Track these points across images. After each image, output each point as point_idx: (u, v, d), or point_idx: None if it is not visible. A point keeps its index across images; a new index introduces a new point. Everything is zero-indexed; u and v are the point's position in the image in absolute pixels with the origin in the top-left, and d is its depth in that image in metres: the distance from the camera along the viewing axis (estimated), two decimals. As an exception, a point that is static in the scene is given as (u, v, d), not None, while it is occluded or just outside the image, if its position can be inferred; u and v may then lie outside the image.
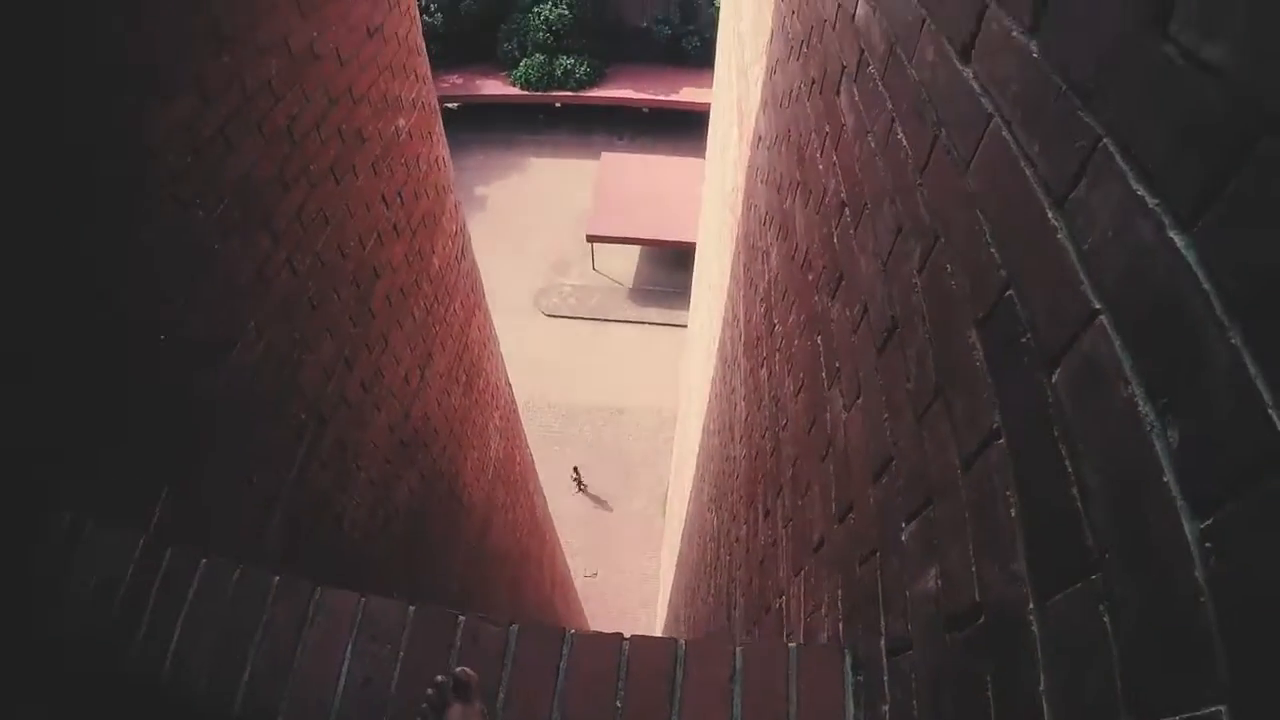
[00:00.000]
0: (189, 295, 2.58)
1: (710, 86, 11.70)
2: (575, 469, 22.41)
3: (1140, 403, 0.67)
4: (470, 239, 6.89)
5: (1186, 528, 0.60)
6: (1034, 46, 0.95)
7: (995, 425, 0.96)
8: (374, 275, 4.21)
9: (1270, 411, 0.52)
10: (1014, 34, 1.00)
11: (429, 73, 5.63)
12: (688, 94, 38.42)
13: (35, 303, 1.95)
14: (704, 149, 14.32)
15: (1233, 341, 0.57)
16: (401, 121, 4.71)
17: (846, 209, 1.86)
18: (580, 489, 22.59)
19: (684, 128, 36.27)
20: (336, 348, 3.73)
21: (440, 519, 5.77)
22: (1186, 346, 0.62)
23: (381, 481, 4.38)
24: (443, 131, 5.94)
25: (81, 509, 1.93)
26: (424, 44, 5.47)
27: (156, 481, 2.43)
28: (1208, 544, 0.58)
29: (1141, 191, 0.70)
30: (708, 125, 10.95)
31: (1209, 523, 0.58)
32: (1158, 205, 0.68)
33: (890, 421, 1.38)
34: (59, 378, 2.02)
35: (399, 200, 4.63)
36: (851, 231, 1.79)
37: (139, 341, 2.34)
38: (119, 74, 2.23)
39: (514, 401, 9.22)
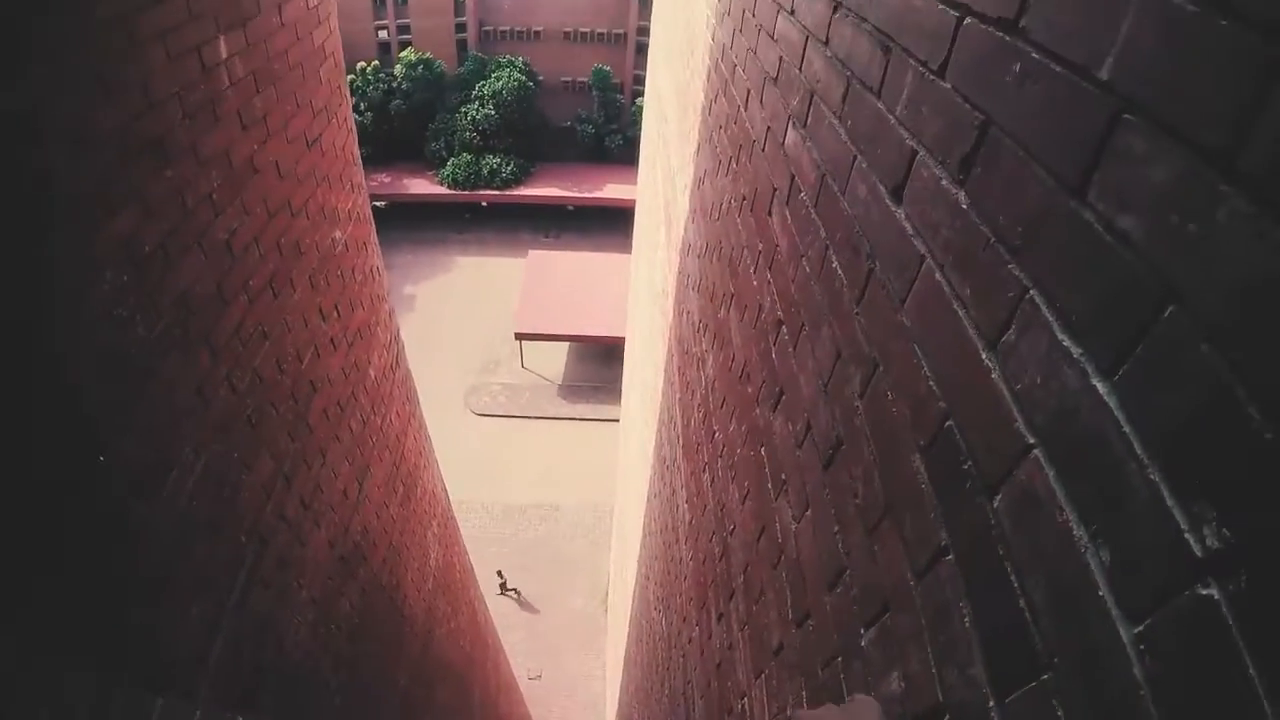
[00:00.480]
0: (128, 416, 2.53)
1: (633, 183, 12.01)
2: (500, 572, 22.02)
3: (1074, 526, 0.76)
4: (404, 346, 6.89)
5: (1122, 633, 0.68)
6: (963, 198, 1.05)
7: (944, 543, 1.03)
8: (312, 390, 4.19)
9: (1186, 535, 0.61)
10: (944, 183, 1.11)
11: (364, 182, 5.70)
12: (611, 190, 39.46)
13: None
14: (629, 244, 14.58)
15: (1151, 477, 0.66)
16: (338, 233, 4.76)
17: (784, 327, 1.96)
18: (512, 595, 22.16)
19: (609, 223, 37.13)
20: (275, 465, 3.68)
21: (383, 633, 5.62)
22: (1112, 479, 0.71)
23: (323, 599, 4.27)
24: (377, 241, 5.99)
25: (19, 646, 1.87)
26: (359, 154, 5.55)
27: (96, 614, 2.34)
28: (1142, 646, 0.66)
29: (1067, 342, 0.80)
30: (632, 221, 11.19)
31: (1141, 628, 0.66)
32: (1082, 355, 0.78)
33: (841, 534, 1.44)
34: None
35: (335, 313, 4.64)
36: (790, 350, 1.88)
37: (75, 468, 2.27)
38: (62, 190, 2.22)
39: (450, 507, 9.11)
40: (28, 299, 2.08)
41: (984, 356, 0.96)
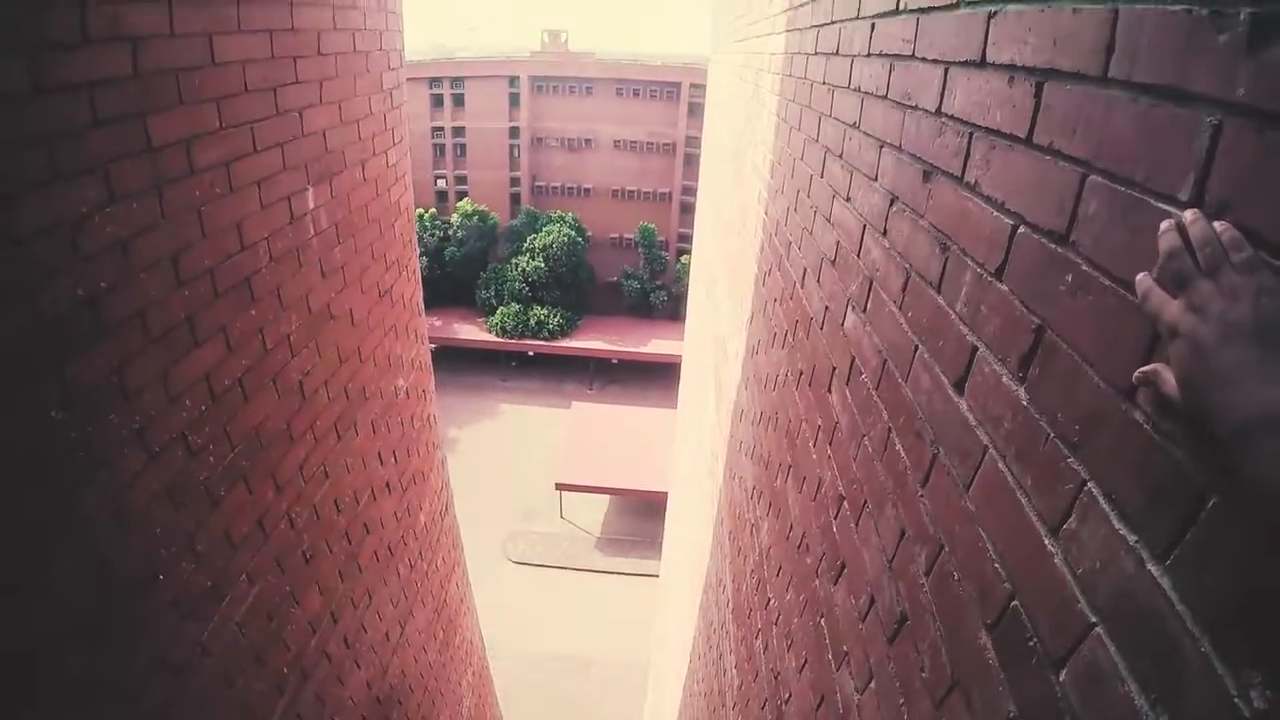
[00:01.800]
0: (190, 541, 2.61)
1: (677, 339, 12.29)
2: None
3: (1136, 696, 0.81)
4: (453, 494, 6.99)
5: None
6: (1023, 394, 1.13)
7: (1012, 714, 1.06)
8: (365, 531, 4.28)
9: (1235, 700, 0.67)
10: (1004, 379, 1.19)
11: (426, 332, 5.94)
12: (656, 346, 40.11)
13: (27, 542, 1.93)
14: (673, 399, 14.70)
15: (1203, 650, 0.72)
16: (401, 381, 4.95)
17: (845, 502, 2.01)
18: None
19: (652, 378, 37.62)
20: (324, 602, 3.73)
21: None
22: (1169, 652, 0.77)
23: (358, 741, 4.23)
24: (434, 389, 6.19)
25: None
26: (423, 305, 5.81)
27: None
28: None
29: (1123, 530, 0.87)
30: (676, 376, 11.33)
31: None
32: (1137, 543, 0.84)
33: (907, 706, 1.45)
34: (43, 622, 2.00)
35: (393, 458, 4.78)
36: (852, 525, 1.92)
37: (131, 589, 2.33)
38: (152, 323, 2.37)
39: (485, 655, 8.99)
40: (104, 419, 2.18)
41: (1047, 542, 1.01)
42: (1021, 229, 1.19)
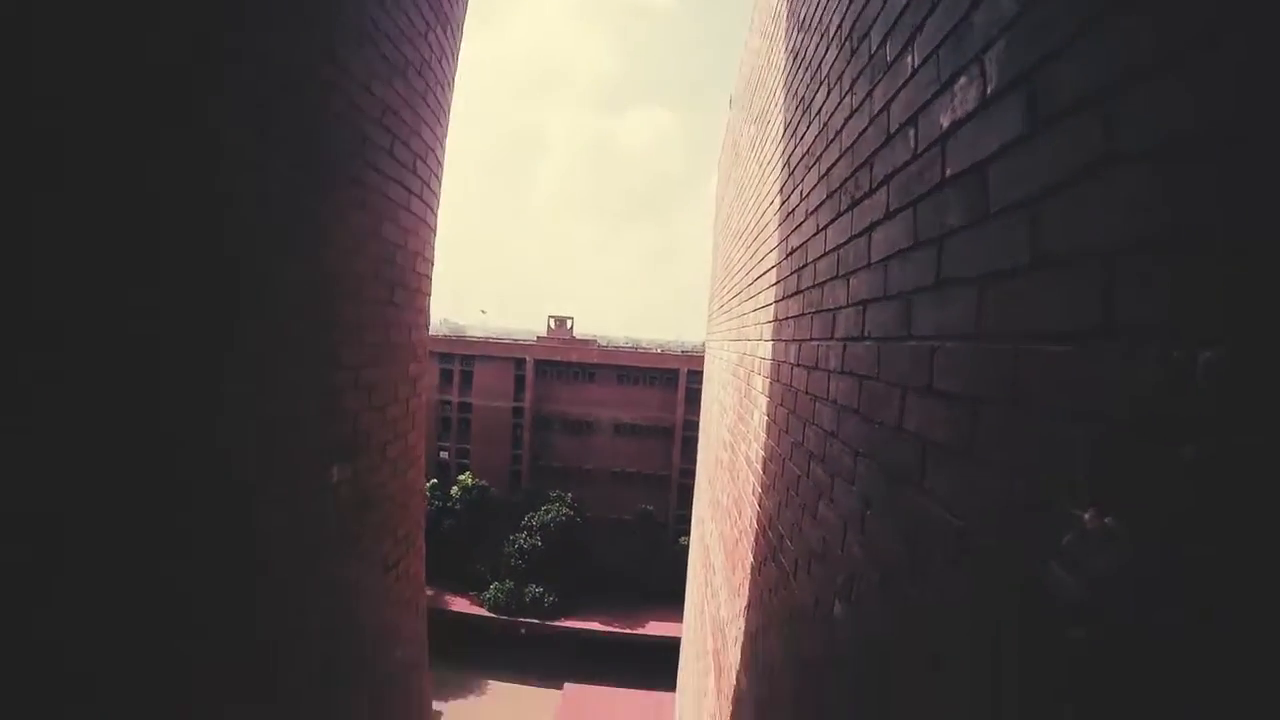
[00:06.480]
0: None
1: (675, 620, 12.07)
2: None
3: None
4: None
5: None
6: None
7: None
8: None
9: None
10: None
11: (426, 608, 5.98)
12: (653, 627, 38.84)
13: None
14: (670, 682, 14.16)
15: None
16: (400, 653, 4.97)
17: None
18: None
19: (649, 660, 36.07)
20: None
21: None
22: None
23: None
24: (428, 663, 6.14)
25: None
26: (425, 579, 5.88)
27: None
28: None
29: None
30: (673, 659, 11.06)
31: None
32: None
33: None
34: None
35: (389, 733, 4.72)
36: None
37: None
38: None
39: None
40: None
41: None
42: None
